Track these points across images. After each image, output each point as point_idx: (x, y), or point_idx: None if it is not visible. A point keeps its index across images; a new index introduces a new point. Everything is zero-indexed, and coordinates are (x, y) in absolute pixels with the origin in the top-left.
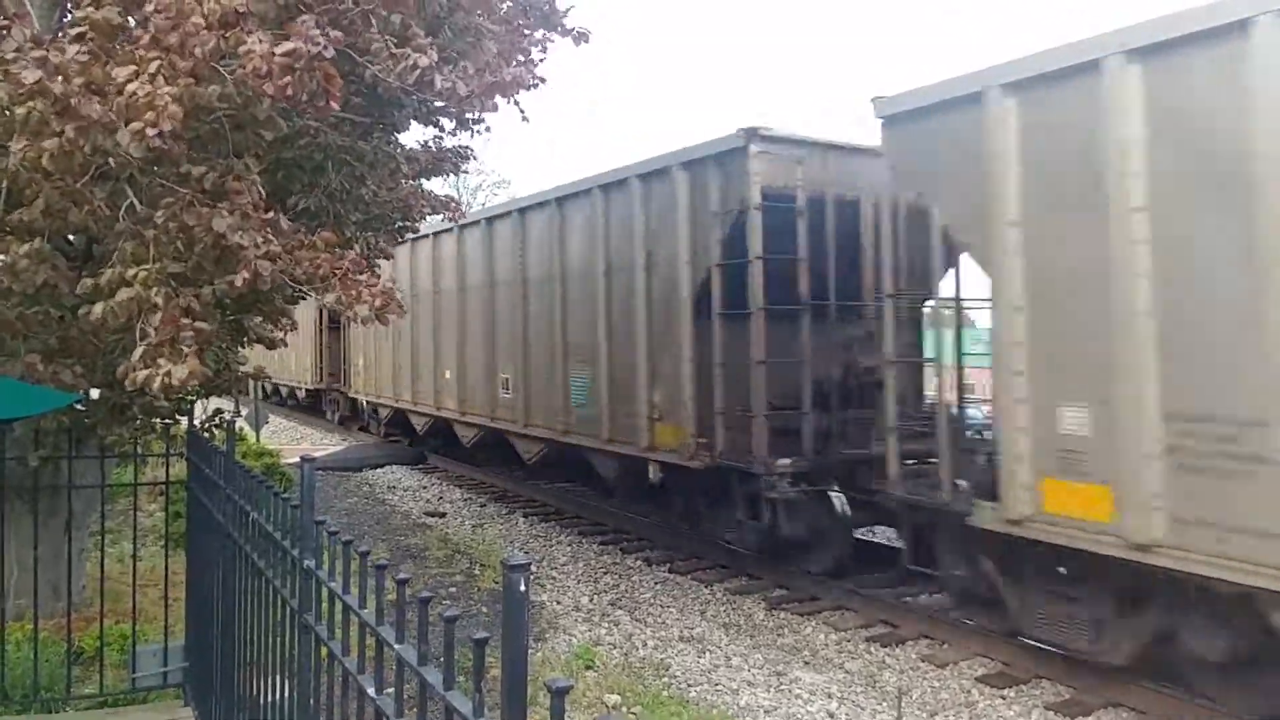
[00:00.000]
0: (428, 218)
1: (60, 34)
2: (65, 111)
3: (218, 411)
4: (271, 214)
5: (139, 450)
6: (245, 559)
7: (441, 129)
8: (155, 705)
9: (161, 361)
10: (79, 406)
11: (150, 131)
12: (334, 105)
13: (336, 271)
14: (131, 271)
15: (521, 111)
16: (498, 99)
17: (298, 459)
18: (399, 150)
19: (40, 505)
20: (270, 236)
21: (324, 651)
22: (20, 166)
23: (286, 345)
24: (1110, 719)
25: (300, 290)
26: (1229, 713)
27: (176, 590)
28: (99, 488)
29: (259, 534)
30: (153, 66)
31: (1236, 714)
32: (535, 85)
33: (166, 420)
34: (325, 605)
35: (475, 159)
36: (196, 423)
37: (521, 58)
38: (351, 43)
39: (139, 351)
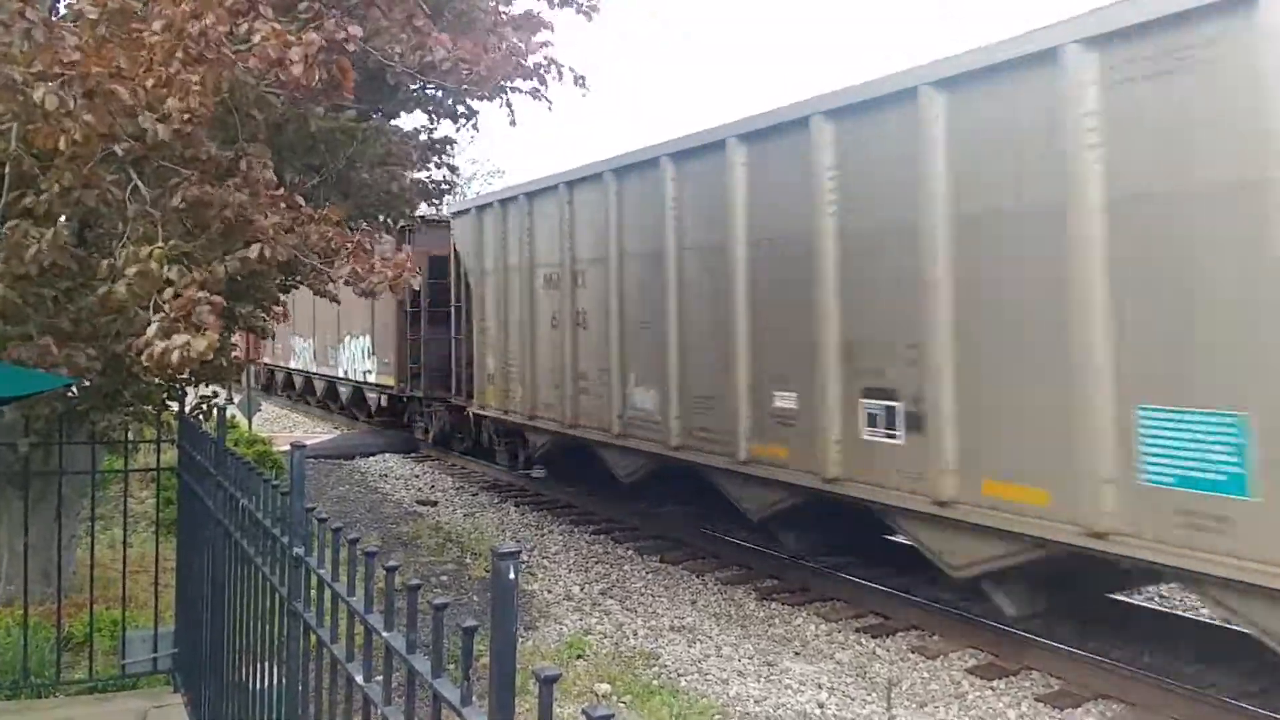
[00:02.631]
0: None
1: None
2: (91, 93)
3: (204, 398)
4: (281, 190)
5: (130, 436)
6: (235, 546)
7: (436, 115)
8: (144, 691)
9: (177, 336)
10: (71, 392)
11: (183, 115)
12: (348, 95)
13: (349, 245)
14: (145, 250)
15: (511, 111)
16: (510, 83)
17: (289, 446)
18: (395, 134)
19: (31, 491)
20: (282, 211)
21: (313, 639)
22: (23, 151)
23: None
24: (1100, 710)
25: (314, 264)
26: (1217, 701)
27: (167, 577)
28: (90, 474)
29: (249, 521)
30: (176, 52)
31: (1223, 699)
32: (549, 78)
33: (158, 407)
34: (314, 593)
35: (455, 143)
36: (187, 409)
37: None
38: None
39: (154, 327)
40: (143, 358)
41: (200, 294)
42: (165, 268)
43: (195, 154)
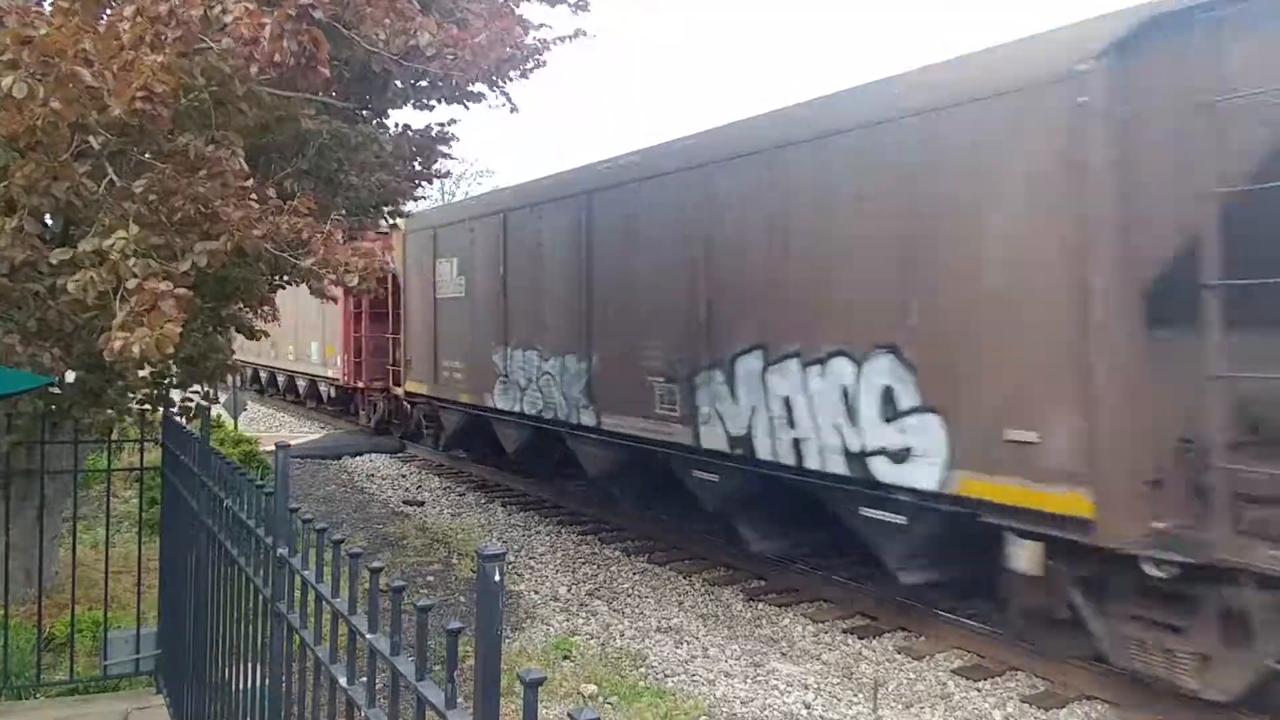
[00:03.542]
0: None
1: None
2: (57, 78)
3: (186, 398)
4: (251, 181)
5: (113, 436)
6: (219, 546)
7: (430, 108)
8: (127, 693)
9: (139, 330)
10: (54, 390)
11: (139, 93)
12: (324, 71)
13: (318, 235)
14: (109, 241)
15: (509, 100)
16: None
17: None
18: (384, 134)
19: (13, 490)
20: (251, 203)
21: (296, 640)
22: None
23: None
24: (1085, 711)
25: (282, 255)
26: (1200, 703)
27: (150, 577)
28: (72, 473)
29: (233, 521)
30: (144, 34)
31: (1209, 705)
32: (538, 64)
33: (143, 406)
34: (298, 594)
35: (456, 139)
36: (175, 408)
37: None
38: (337, 14)
39: (118, 320)
40: (105, 352)
41: (164, 285)
42: (131, 262)
43: (174, 146)
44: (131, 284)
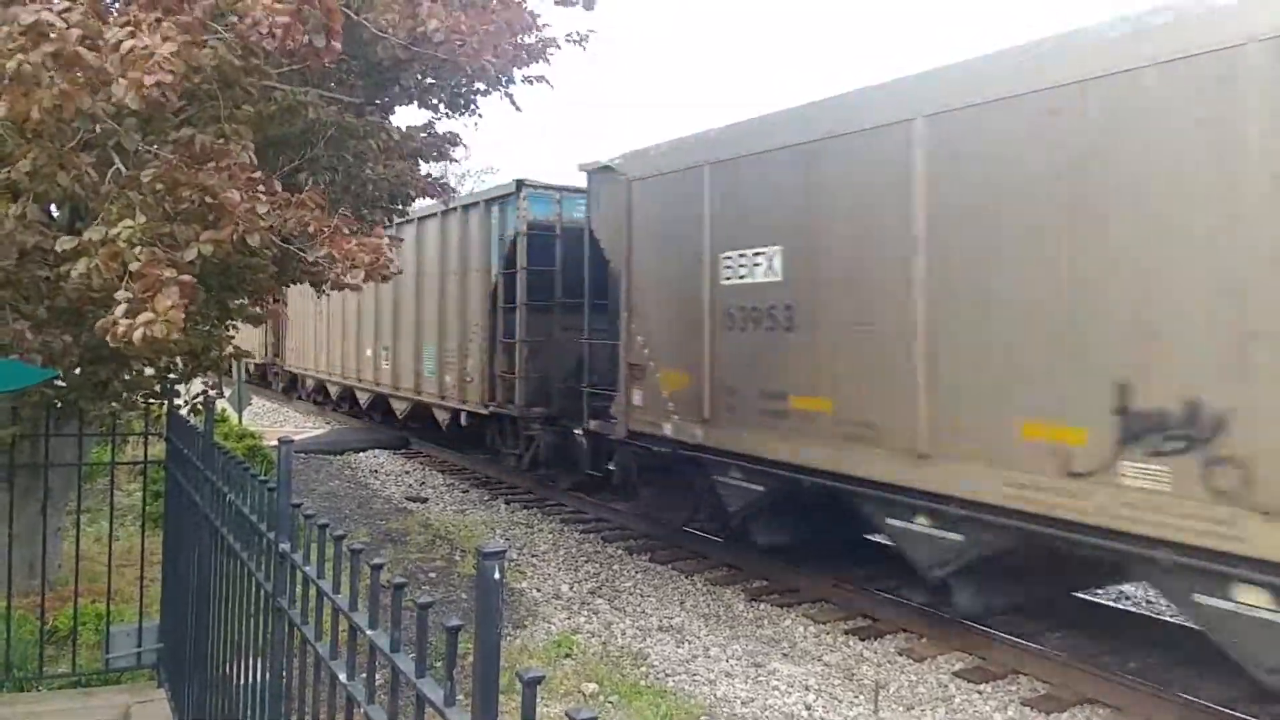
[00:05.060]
0: (418, 200)
1: None
2: (62, 61)
3: (202, 391)
4: (259, 173)
5: (117, 429)
6: (221, 541)
7: (435, 109)
8: (128, 686)
9: (142, 315)
10: (59, 383)
11: (148, 80)
12: (336, 46)
13: (325, 229)
14: (115, 230)
15: (513, 101)
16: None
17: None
18: (391, 128)
19: (16, 483)
20: (258, 194)
21: (298, 636)
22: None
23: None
24: (1086, 715)
25: (288, 248)
26: (1202, 706)
27: (153, 571)
28: (76, 466)
29: (235, 515)
30: (152, 19)
31: (1210, 705)
32: (544, 60)
33: (149, 399)
34: (299, 589)
35: (463, 144)
36: (180, 403)
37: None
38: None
39: (121, 307)
40: (108, 337)
41: (168, 273)
42: (136, 250)
43: (179, 138)
44: (135, 267)
